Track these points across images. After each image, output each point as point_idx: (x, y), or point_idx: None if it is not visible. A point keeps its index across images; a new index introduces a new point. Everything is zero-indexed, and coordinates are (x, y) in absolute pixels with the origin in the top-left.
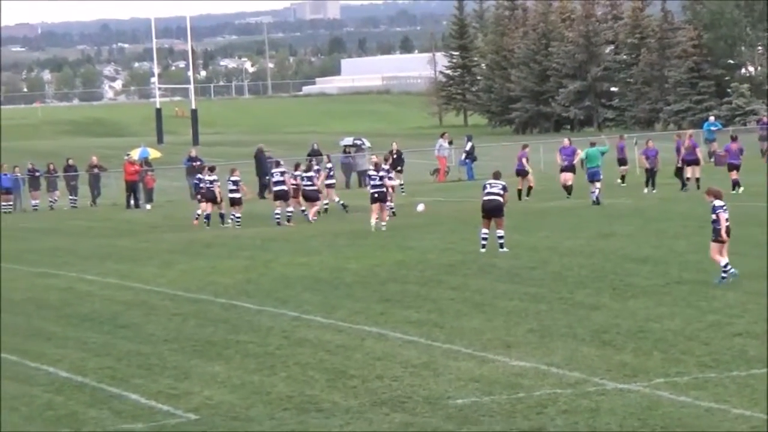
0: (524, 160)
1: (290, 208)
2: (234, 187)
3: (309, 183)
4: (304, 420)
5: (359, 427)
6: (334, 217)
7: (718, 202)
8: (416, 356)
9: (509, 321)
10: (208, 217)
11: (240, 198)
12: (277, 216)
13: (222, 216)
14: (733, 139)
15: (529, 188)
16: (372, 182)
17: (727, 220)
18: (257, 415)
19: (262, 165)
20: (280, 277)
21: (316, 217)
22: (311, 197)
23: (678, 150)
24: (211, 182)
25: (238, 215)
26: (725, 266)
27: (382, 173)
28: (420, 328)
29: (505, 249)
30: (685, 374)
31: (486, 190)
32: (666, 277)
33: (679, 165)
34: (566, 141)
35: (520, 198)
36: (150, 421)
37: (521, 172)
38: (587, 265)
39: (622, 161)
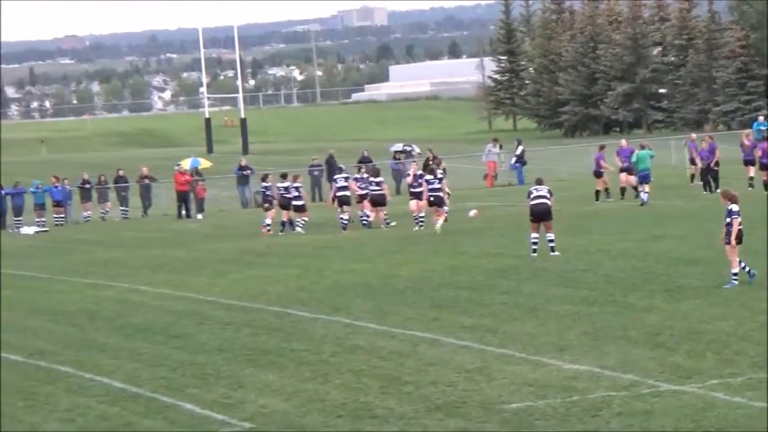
0: (601, 161)
1: (345, 216)
2: (297, 194)
3: (377, 188)
4: (359, 427)
5: None
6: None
7: (734, 207)
8: (470, 361)
9: (562, 324)
10: (283, 224)
11: (304, 204)
12: (344, 222)
13: (288, 222)
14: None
15: (606, 189)
16: (430, 186)
17: (740, 224)
18: (312, 423)
19: (333, 171)
20: (333, 285)
21: (390, 222)
22: (379, 202)
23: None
24: (286, 189)
25: (302, 221)
26: (735, 269)
27: (440, 176)
28: (473, 333)
29: (556, 252)
30: (739, 375)
31: (532, 195)
32: (718, 279)
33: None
34: (624, 142)
35: (597, 199)
36: (205, 430)
37: (599, 174)
38: (639, 267)
39: (692, 161)
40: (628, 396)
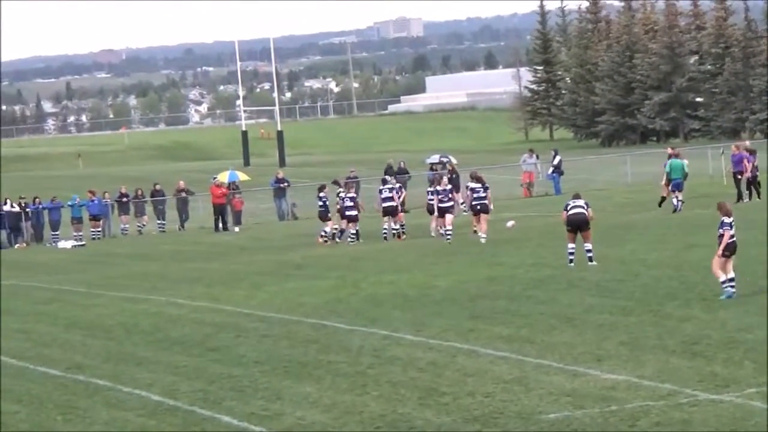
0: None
1: (395, 224)
2: (351, 204)
3: (431, 198)
4: None
5: None
6: (418, 234)
7: (726, 219)
8: (507, 372)
9: (599, 334)
10: (342, 233)
11: (357, 214)
12: (385, 231)
13: (341, 232)
14: None
15: (662, 198)
16: (475, 195)
17: (732, 237)
18: None
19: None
20: (370, 296)
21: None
22: (442, 211)
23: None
24: (351, 199)
25: (353, 231)
26: (730, 280)
27: (486, 185)
28: (510, 343)
29: (594, 262)
30: None
31: (570, 206)
32: (754, 287)
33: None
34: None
35: (660, 205)
36: None
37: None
38: (676, 276)
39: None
40: (666, 405)
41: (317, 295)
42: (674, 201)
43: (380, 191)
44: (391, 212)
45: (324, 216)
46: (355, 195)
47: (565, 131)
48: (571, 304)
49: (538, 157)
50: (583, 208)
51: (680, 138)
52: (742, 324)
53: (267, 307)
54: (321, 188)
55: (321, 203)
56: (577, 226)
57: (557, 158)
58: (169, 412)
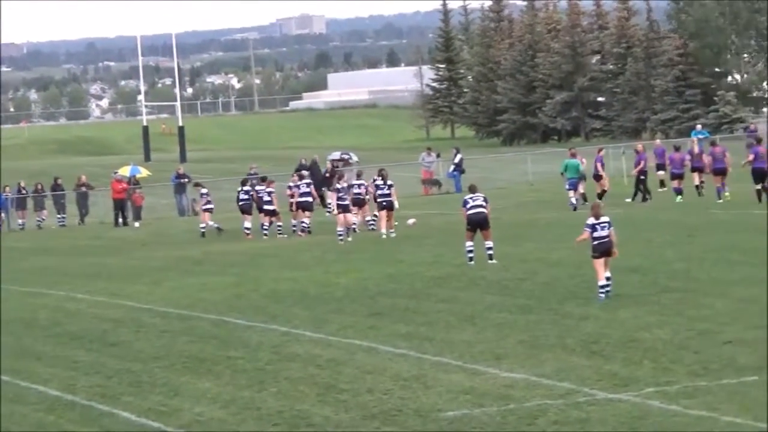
0: (599, 165)
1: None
2: (269, 198)
3: (357, 192)
4: None
5: None
6: (322, 232)
7: (592, 220)
8: (407, 369)
9: (499, 333)
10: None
11: (275, 209)
12: (294, 227)
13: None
14: (713, 144)
15: (603, 192)
16: (380, 191)
17: (599, 238)
18: (248, 431)
19: (316, 176)
20: (270, 293)
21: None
22: (359, 203)
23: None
24: (269, 194)
25: (279, 224)
26: (606, 280)
27: (390, 183)
28: (410, 341)
29: (494, 261)
30: (675, 383)
31: (469, 205)
32: (655, 287)
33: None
34: (640, 146)
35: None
36: None
37: (598, 177)
38: (576, 275)
39: (660, 166)
40: (564, 404)
41: (217, 291)
42: (572, 200)
43: (298, 186)
44: (307, 207)
45: (246, 210)
46: (273, 190)
47: (466, 129)
48: (470, 302)
49: (438, 155)
50: (483, 206)
51: (581, 137)
52: (642, 323)
53: (166, 303)
54: (243, 182)
55: (244, 197)
56: (477, 224)
57: (458, 156)
58: (67, 407)
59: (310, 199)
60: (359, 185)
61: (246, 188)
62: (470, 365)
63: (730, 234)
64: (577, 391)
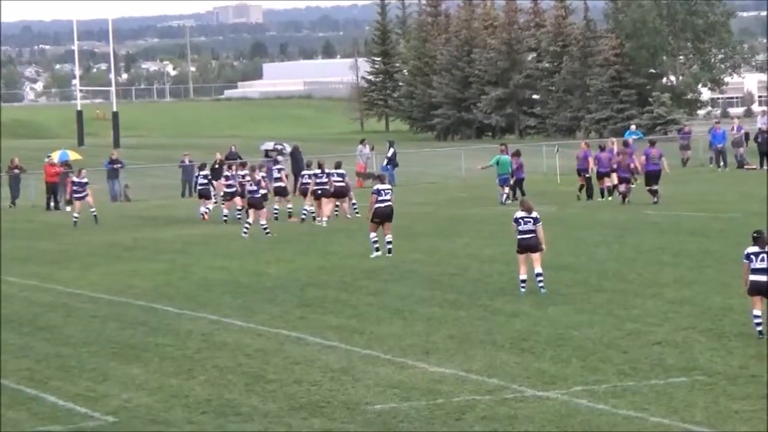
0: (590, 160)
1: (290, 205)
2: (255, 188)
3: (339, 180)
4: (222, 424)
5: (278, 431)
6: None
7: (519, 214)
8: (335, 361)
9: (429, 327)
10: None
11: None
12: (276, 211)
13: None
14: (652, 144)
15: (583, 186)
16: (317, 180)
17: (524, 233)
18: (175, 419)
19: (299, 163)
20: (200, 281)
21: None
22: (343, 194)
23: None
24: (243, 177)
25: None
26: (538, 276)
27: (327, 171)
28: (339, 333)
29: (391, 255)
30: (604, 382)
31: (380, 197)
32: (585, 285)
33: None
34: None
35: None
36: (68, 423)
37: (583, 171)
38: (507, 272)
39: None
40: (492, 400)
41: (147, 277)
42: (501, 197)
43: (270, 171)
44: (281, 192)
45: (205, 194)
46: (265, 175)
47: (401, 123)
48: (401, 295)
49: (373, 148)
50: (390, 200)
51: (516, 134)
52: (571, 322)
53: (96, 288)
54: (201, 167)
55: (202, 181)
56: (385, 217)
57: (392, 150)
58: None
59: (283, 184)
60: (280, 170)
61: (204, 173)
62: (399, 359)
63: (661, 235)
64: (505, 388)
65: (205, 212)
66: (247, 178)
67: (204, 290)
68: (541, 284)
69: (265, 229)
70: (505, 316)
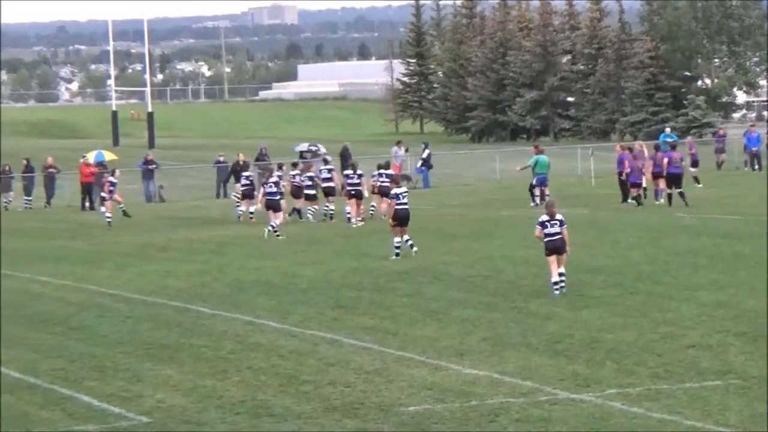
0: (626, 162)
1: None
2: (310, 183)
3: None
4: (256, 424)
5: None
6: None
7: (544, 218)
8: (369, 363)
9: (463, 329)
10: (297, 211)
11: (315, 194)
12: (324, 210)
13: (297, 211)
14: (673, 147)
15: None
16: (349, 180)
17: (550, 235)
18: (209, 419)
19: (347, 162)
20: (234, 282)
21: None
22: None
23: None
24: (311, 178)
25: (312, 209)
26: (559, 277)
27: (360, 172)
28: (373, 334)
29: (415, 248)
30: (638, 385)
31: (398, 201)
32: (620, 288)
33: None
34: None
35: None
36: (102, 423)
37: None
38: (541, 274)
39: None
40: (526, 403)
41: (182, 278)
42: (536, 198)
43: (320, 171)
44: (330, 192)
45: (248, 195)
46: (314, 174)
47: (435, 125)
48: (435, 297)
49: (407, 150)
50: (407, 203)
51: (550, 137)
52: (606, 325)
53: (131, 288)
54: (245, 167)
55: (246, 182)
56: (403, 220)
57: (426, 152)
58: (28, 389)
59: (332, 184)
60: (330, 170)
61: (247, 173)
62: (433, 361)
63: (696, 238)
64: (539, 390)
65: (242, 213)
66: (300, 177)
67: (238, 291)
68: (563, 284)
69: (275, 231)
70: (539, 319)
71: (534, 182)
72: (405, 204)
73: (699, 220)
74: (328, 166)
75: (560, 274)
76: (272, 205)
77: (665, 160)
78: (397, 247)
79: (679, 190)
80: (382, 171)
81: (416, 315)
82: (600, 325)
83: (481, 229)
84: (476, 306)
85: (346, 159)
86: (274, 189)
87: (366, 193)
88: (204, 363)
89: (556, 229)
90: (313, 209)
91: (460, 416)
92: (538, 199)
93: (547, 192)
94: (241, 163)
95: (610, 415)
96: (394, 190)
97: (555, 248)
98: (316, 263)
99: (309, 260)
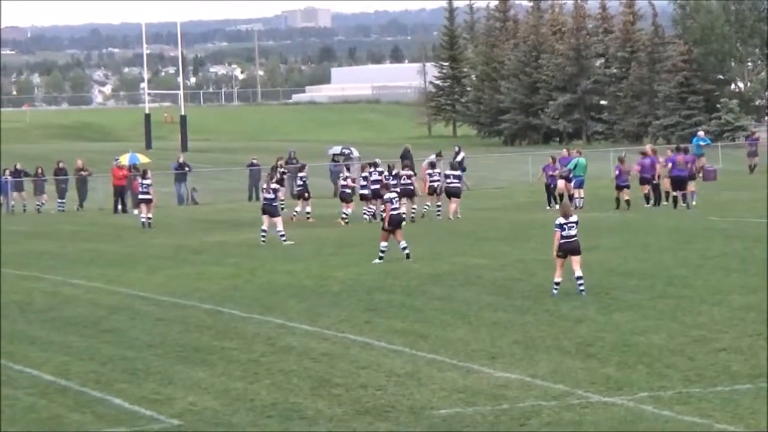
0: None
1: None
2: (364, 183)
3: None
4: (288, 427)
5: None
6: (320, 224)
7: (561, 220)
8: (401, 366)
9: (494, 332)
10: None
11: (369, 194)
12: (366, 213)
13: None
14: (679, 150)
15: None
16: (402, 181)
17: (567, 237)
18: (240, 422)
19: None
20: (266, 285)
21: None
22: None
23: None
24: (376, 181)
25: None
26: (578, 278)
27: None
28: (405, 337)
29: (410, 256)
30: (669, 388)
31: (393, 206)
32: (651, 291)
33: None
34: (564, 152)
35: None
36: (133, 425)
37: (646, 180)
38: (572, 278)
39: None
40: (557, 406)
41: (213, 281)
42: (579, 201)
43: (370, 173)
44: (377, 195)
45: (301, 195)
46: (368, 175)
47: (468, 128)
48: (466, 300)
49: (440, 154)
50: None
51: (583, 140)
52: (637, 328)
53: (162, 291)
54: (302, 168)
55: (299, 183)
56: (396, 225)
57: (460, 155)
58: (59, 392)
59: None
60: (380, 173)
61: (302, 174)
62: (464, 364)
63: (727, 241)
64: (570, 393)
65: (296, 214)
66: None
67: (270, 294)
68: (581, 287)
69: (282, 236)
70: (570, 322)
71: (572, 184)
72: (398, 209)
73: (731, 223)
74: (378, 168)
75: (579, 277)
76: (269, 211)
77: (668, 165)
78: (383, 251)
79: (683, 192)
80: (448, 171)
81: (447, 318)
82: (631, 329)
83: (512, 232)
84: (507, 309)
85: (407, 160)
86: (272, 195)
87: (419, 192)
88: (235, 366)
89: (573, 231)
90: (368, 210)
91: (492, 419)
92: (578, 200)
93: (582, 194)
94: (279, 166)
95: (641, 419)
96: (387, 195)
97: (571, 250)
98: (348, 266)
99: (340, 263)
